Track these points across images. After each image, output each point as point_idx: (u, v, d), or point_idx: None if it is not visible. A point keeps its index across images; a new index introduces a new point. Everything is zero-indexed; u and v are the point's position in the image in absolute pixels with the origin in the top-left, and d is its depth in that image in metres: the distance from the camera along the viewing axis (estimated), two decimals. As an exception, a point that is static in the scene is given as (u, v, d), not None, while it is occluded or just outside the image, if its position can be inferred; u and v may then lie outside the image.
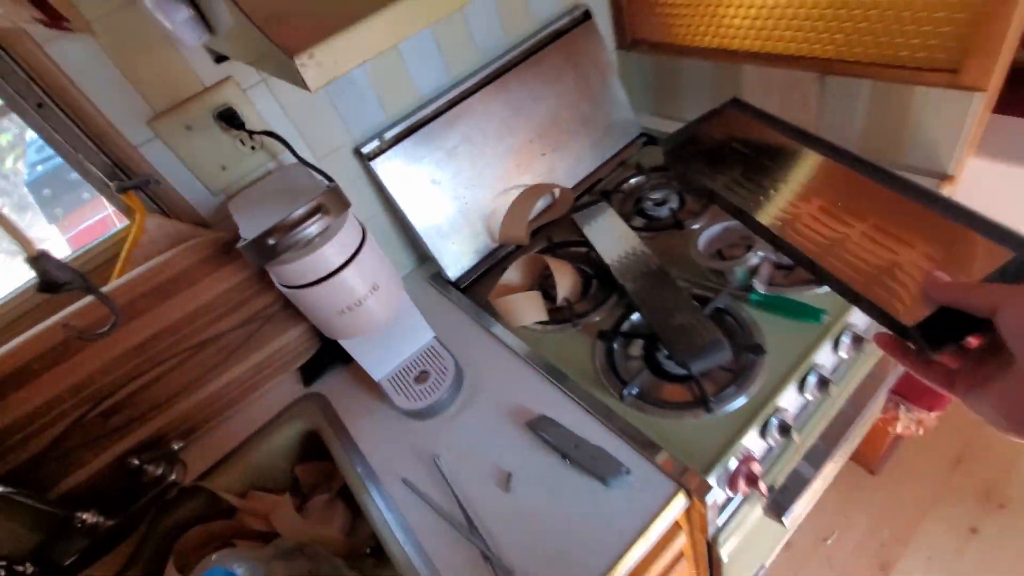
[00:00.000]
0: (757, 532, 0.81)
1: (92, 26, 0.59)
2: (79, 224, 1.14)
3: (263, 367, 0.86)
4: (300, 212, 0.52)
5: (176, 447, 0.79)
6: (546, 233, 1.00)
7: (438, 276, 0.98)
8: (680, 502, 0.60)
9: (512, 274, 0.91)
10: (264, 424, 0.84)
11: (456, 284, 0.96)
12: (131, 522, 0.78)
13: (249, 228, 0.61)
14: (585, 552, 0.58)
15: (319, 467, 0.87)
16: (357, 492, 0.72)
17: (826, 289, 0.73)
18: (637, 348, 0.78)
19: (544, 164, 1.02)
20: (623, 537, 0.57)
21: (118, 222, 0.90)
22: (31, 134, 0.78)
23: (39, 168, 1.05)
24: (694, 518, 0.66)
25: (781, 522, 0.70)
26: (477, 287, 0.96)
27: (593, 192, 1.06)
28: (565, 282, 0.86)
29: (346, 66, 0.38)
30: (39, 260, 0.43)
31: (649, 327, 0.76)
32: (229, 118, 0.70)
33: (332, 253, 0.56)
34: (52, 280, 0.43)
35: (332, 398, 0.86)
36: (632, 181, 1.05)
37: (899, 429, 1.23)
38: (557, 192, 1.02)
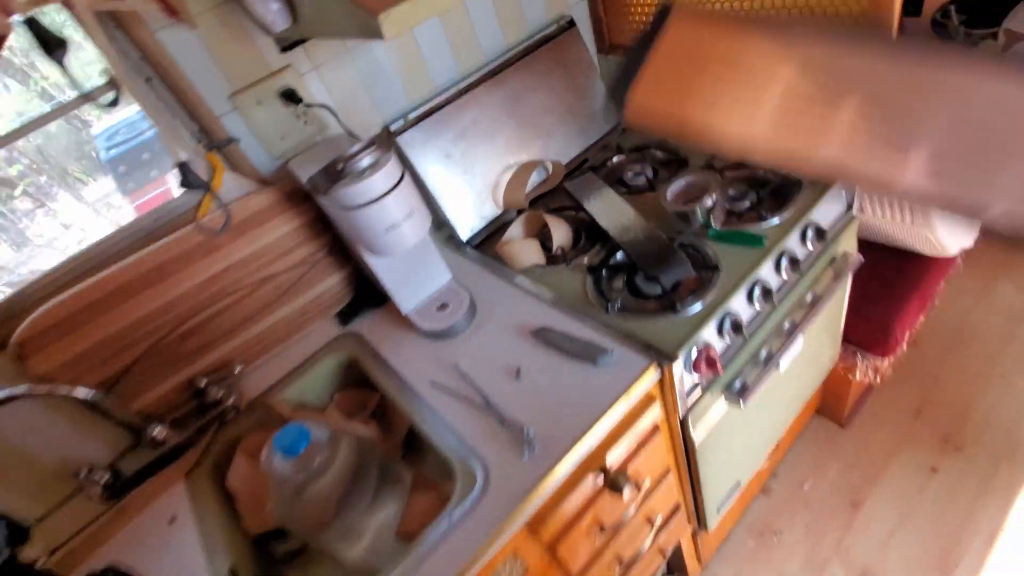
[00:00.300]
0: (727, 429, 0.96)
1: (194, 19, 0.78)
2: (144, 196, 1.33)
3: (307, 310, 1.03)
4: (359, 146, 0.70)
5: (237, 370, 0.95)
6: (543, 200, 1.18)
7: (451, 239, 1.15)
8: (652, 374, 0.76)
9: (515, 229, 1.08)
10: (308, 356, 1.00)
11: (468, 243, 1.13)
12: (193, 438, 0.93)
13: (306, 176, 0.79)
14: (579, 411, 0.74)
15: (356, 395, 1.02)
16: (393, 395, 0.88)
17: (771, 222, 0.91)
18: (619, 281, 0.95)
19: (539, 145, 1.21)
20: (608, 397, 0.74)
21: (175, 195, 1.07)
22: (102, 126, 0.96)
23: (112, 151, 1.24)
24: (666, 392, 0.82)
25: (739, 405, 0.86)
26: (485, 245, 1.13)
27: (582, 168, 1.25)
28: (559, 233, 1.04)
29: (410, 24, 0.56)
30: (183, 166, 0.60)
31: (629, 260, 0.93)
32: (289, 96, 0.89)
33: (380, 180, 0.73)
34: (190, 182, 0.60)
35: (367, 334, 1.02)
36: (614, 159, 1.24)
37: (858, 376, 1.39)
38: (550, 166, 1.20)
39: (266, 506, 0.83)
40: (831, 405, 1.60)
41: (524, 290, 0.97)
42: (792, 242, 0.92)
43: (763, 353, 0.96)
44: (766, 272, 0.88)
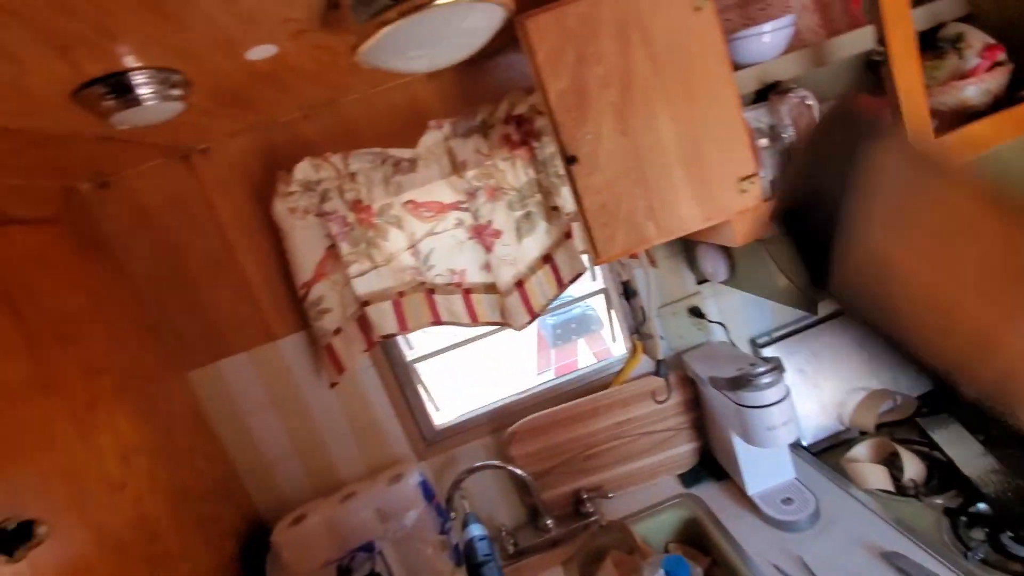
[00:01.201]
0: None
1: (658, 263, 1.24)
2: (566, 350, 1.95)
3: (662, 464, 1.32)
4: (763, 367, 1.00)
5: (610, 495, 1.27)
6: (889, 428, 1.28)
7: (795, 443, 1.32)
8: (1030, 640, 0.78)
9: (861, 449, 1.21)
10: (658, 502, 1.27)
11: (808, 448, 1.29)
12: (567, 535, 1.26)
13: (702, 371, 1.13)
14: (939, 644, 0.80)
15: (686, 550, 1.23)
16: (734, 563, 1.06)
17: None
18: (979, 532, 0.97)
19: (889, 376, 1.34)
20: (974, 643, 0.79)
21: (580, 361, 1.54)
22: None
23: (552, 319, 1.89)
24: (1044, 667, 0.80)
25: None
26: (823, 453, 1.27)
27: (935, 405, 1.31)
28: (913, 466, 1.12)
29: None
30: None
31: (996, 514, 0.97)
32: (695, 311, 1.28)
33: (773, 393, 1.01)
34: (657, 367, 0.99)
35: (707, 500, 1.24)
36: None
37: None
38: (899, 398, 1.30)
39: (622, 611, 1.08)
40: None
41: (870, 510, 1.07)
42: None
43: None
44: None
